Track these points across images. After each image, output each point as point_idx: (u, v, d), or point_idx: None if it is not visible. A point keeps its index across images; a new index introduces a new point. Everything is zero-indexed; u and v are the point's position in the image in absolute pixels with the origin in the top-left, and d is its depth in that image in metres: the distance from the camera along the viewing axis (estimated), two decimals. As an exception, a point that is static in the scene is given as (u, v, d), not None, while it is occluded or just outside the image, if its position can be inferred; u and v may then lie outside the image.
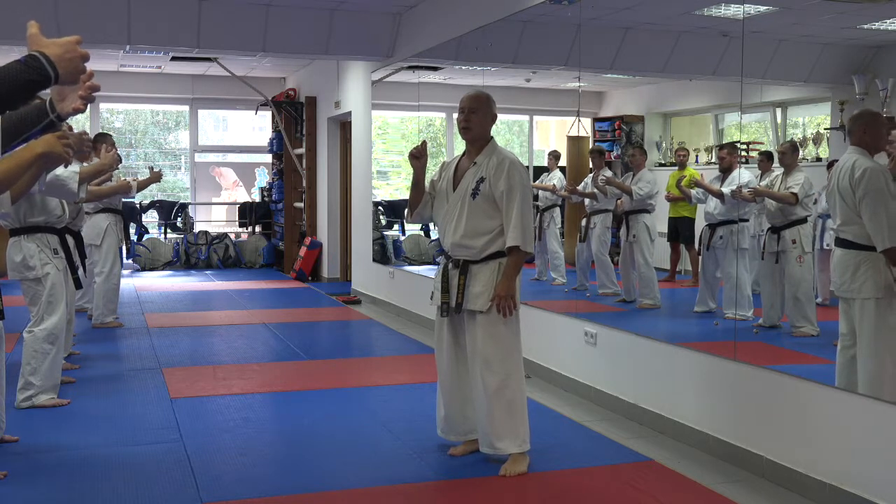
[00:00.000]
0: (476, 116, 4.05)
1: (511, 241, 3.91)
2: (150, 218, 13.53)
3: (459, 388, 4.15)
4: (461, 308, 4.00)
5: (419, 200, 4.22)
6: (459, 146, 11.59)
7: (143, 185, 7.12)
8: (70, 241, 5.27)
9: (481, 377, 3.97)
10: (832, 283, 4.17)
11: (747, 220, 5.63)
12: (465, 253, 4.02)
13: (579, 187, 7.09)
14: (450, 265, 4.08)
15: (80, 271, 5.46)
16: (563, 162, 7.70)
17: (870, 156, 3.95)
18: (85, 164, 5.51)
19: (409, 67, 8.72)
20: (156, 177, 7.07)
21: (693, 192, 6.03)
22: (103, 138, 7.14)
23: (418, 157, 4.10)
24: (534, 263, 7.69)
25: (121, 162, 5.57)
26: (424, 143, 4.16)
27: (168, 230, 13.33)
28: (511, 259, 3.94)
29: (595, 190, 6.90)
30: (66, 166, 4.45)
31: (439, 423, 4.28)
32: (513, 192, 3.93)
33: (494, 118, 4.12)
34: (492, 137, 4.13)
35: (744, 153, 5.84)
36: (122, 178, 7.09)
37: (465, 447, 4.20)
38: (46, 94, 2.03)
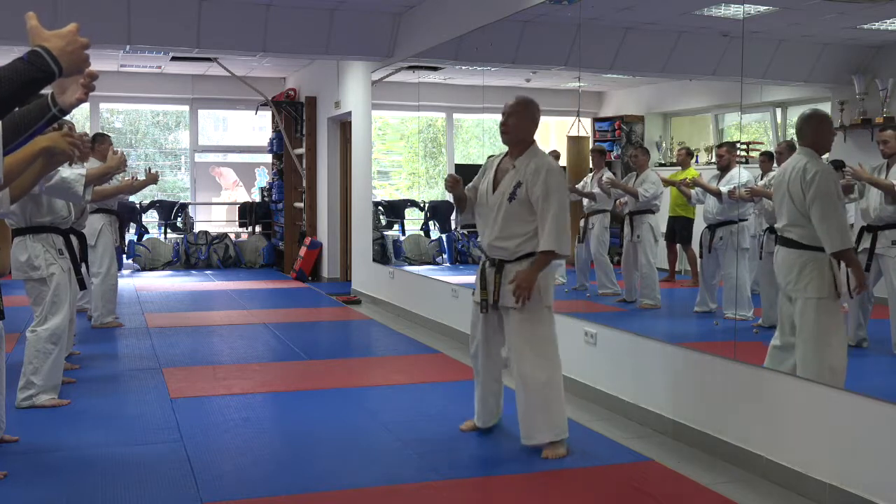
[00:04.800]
0: (513, 120, 4.22)
1: (544, 245, 4.09)
2: (150, 218, 13.52)
3: (486, 381, 4.46)
4: (496, 305, 4.23)
5: (464, 208, 4.47)
6: (459, 146, 11.48)
7: (139, 187, 7.12)
8: (74, 241, 5.26)
9: (518, 370, 4.21)
10: (779, 281, 4.23)
11: (746, 220, 5.63)
12: (501, 253, 4.24)
13: (578, 186, 7.09)
14: (487, 264, 4.29)
15: (84, 271, 5.45)
16: (562, 162, 7.69)
17: (819, 158, 4.05)
18: (85, 164, 5.50)
19: (409, 67, 8.72)
20: (152, 178, 7.06)
21: (693, 192, 6.03)
22: (101, 139, 7.14)
23: (454, 187, 4.32)
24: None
25: (126, 165, 5.54)
26: (453, 177, 4.33)
27: (168, 230, 13.32)
28: (541, 257, 4.12)
29: (597, 191, 6.90)
30: (70, 164, 4.44)
31: (475, 412, 4.57)
32: (549, 196, 4.09)
33: (534, 122, 4.28)
34: (534, 141, 4.28)
35: (744, 153, 5.84)
36: (125, 178, 7.09)
37: (473, 425, 4.56)
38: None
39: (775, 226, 4.29)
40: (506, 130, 4.23)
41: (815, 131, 4.08)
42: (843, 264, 4.00)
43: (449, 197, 10.16)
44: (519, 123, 4.22)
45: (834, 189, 3.94)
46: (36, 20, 1.89)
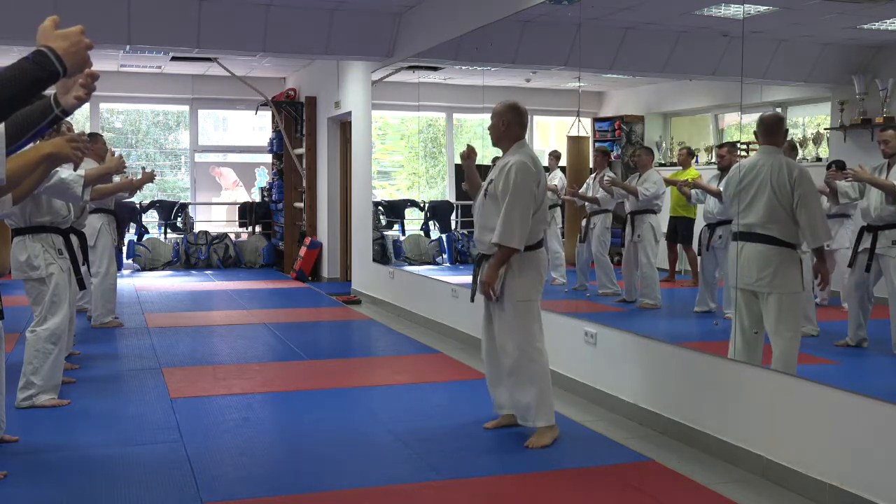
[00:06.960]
0: (491, 124, 4.48)
1: (493, 238, 4.28)
2: (150, 218, 13.52)
3: (490, 368, 4.62)
4: (473, 296, 4.54)
5: (472, 190, 4.71)
6: (460, 146, 11.59)
7: (138, 186, 7.11)
8: (74, 241, 5.26)
9: (501, 360, 4.42)
10: (741, 278, 4.31)
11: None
12: (481, 247, 4.48)
13: (581, 190, 7.09)
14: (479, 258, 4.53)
15: (84, 271, 5.45)
16: (563, 162, 7.70)
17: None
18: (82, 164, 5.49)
19: (409, 67, 8.72)
20: (148, 177, 7.04)
21: (692, 192, 6.03)
22: (95, 138, 7.11)
23: (466, 157, 4.59)
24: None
25: (125, 166, 5.54)
26: (472, 148, 4.61)
27: (168, 230, 13.32)
28: (497, 252, 4.27)
29: (600, 194, 6.89)
30: (74, 168, 4.45)
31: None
32: (506, 191, 4.26)
33: (510, 125, 4.43)
34: (520, 139, 4.45)
35: (744, 153, 5.83)
36: (124, 178, 7.08)
37: (498, 421, 4.62)
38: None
39: (741, 221, 4.35)
40: (490, 135, 4.51)
41: (782, 132, 4.42)
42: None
43: (448, 195, 10.25)
44: (495, 127, 4.44)
45: (814, 186, 4.21)
46: (51, 22, 1.90)
